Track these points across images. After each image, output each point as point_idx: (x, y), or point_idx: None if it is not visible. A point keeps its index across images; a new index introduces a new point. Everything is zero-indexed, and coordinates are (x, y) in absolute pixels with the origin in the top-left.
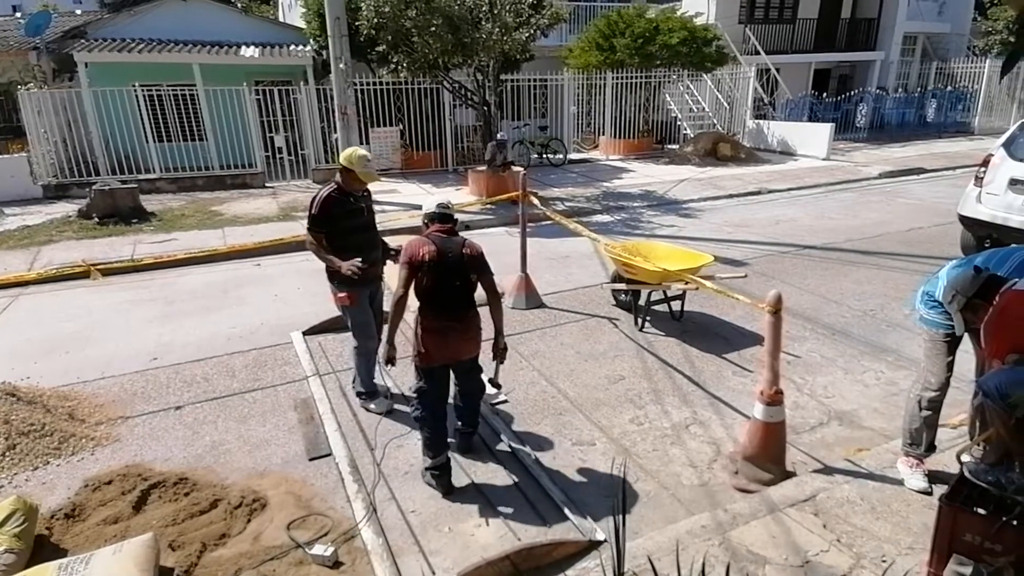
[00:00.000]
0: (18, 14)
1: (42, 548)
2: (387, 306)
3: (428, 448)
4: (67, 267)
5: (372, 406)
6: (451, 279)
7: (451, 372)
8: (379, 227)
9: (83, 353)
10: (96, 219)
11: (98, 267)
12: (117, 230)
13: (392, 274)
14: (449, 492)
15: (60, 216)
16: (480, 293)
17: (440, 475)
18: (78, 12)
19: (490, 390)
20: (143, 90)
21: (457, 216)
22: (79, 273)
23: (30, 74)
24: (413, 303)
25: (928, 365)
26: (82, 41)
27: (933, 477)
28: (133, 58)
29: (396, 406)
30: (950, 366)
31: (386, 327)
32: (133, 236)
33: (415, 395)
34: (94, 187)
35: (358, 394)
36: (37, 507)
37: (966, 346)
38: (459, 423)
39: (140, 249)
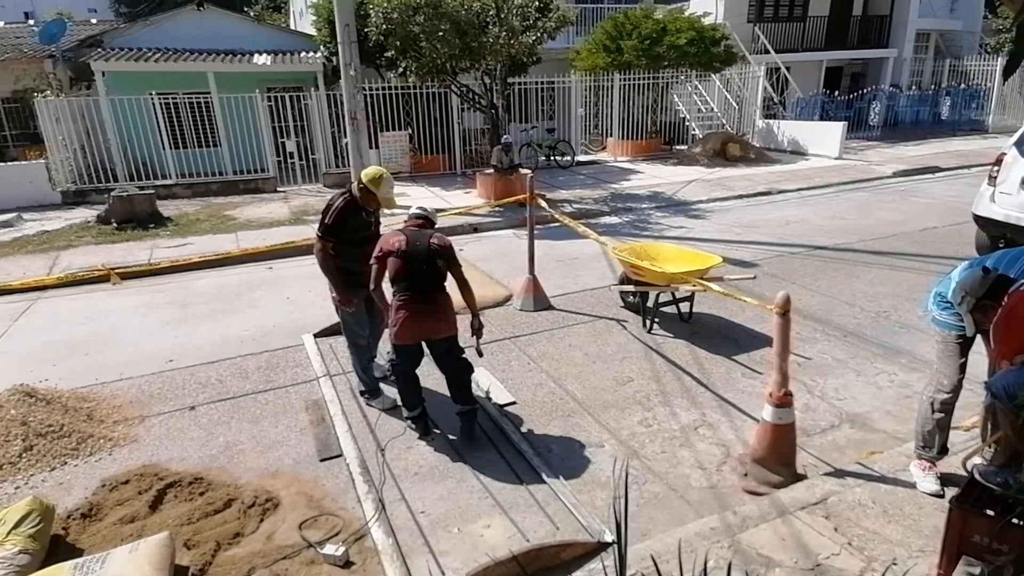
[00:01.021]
0: (31, 21)
1: (58, 548)
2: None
3: (404, 405)
4: (87, 271)
5: (375, 403)
6: (418, 264)
7: (430, 353)
8: (389, 229)
9: (101, 355)
10: (114, 224)
11: (116, 271)
12: (135, 235)
13: None
14: (427, 434)
15: (79, 221)
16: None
17: (417, 421)
18: (93, 21)
19: (500, 397)
20: (159, 98)
21: (439, 218)
22: (98, 277)
23: (45, 81)
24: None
25: (940, 367)
26: (99, 50)
27: (946, 480)
28: (150, 67)
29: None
30: (963, 368)
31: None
32: (150, 241)
33: (390, 364)
34: (112, 193)
35: (360, 393)
36: (53, 507)
37: (979, 348)
38: (457, 405)
39: (157, 253)
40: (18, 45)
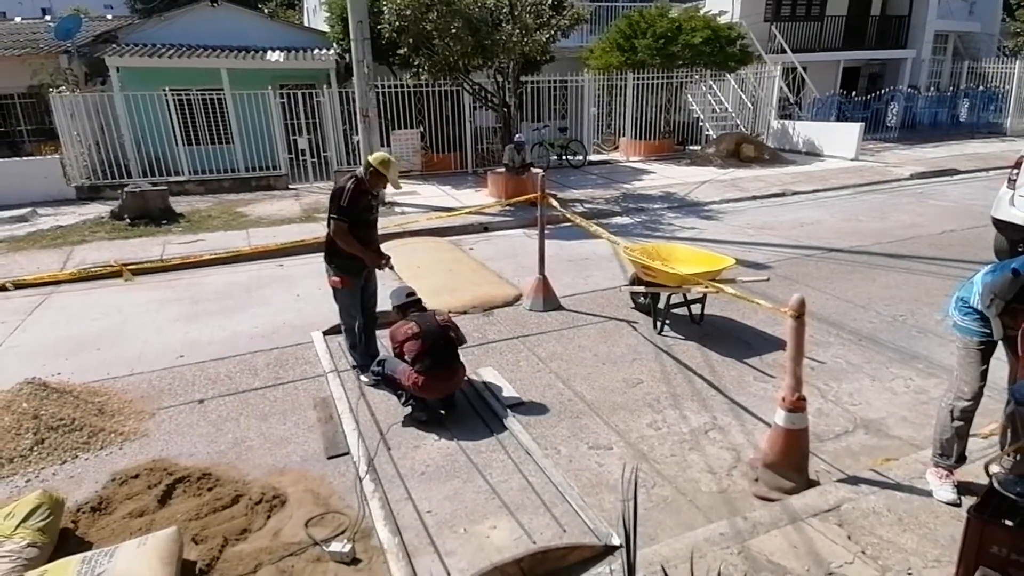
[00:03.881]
0: (47, 17)
1: (67, 541)
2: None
3: (418, 410)
4: (100, 267)
5: (363, 378)
6: (435, 340)
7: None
8: (399, 228)
9: (113, 350)
10: (127, 220)
11: (129, 267)
12: (147, 231)
13: (394, 266)
14: (429, 417)
15: (93, 217)
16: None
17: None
18: (109, 17)
19: (506, 392)
20: (173, 94)
21: (451, 217)
22: (111, 273)
23: (61, 77)
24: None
25: (961, 374)
26: (114, 46)
27: (963, 488)
28: (164, 63)
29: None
30: (984, 375)
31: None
32: (162, 237)
33: (410, 405)
34: (126, 189)
35: (352, 367)
36: (63, 501)
37: (998, 354)
38: None
39: (169, 250)
40: (34, 41)
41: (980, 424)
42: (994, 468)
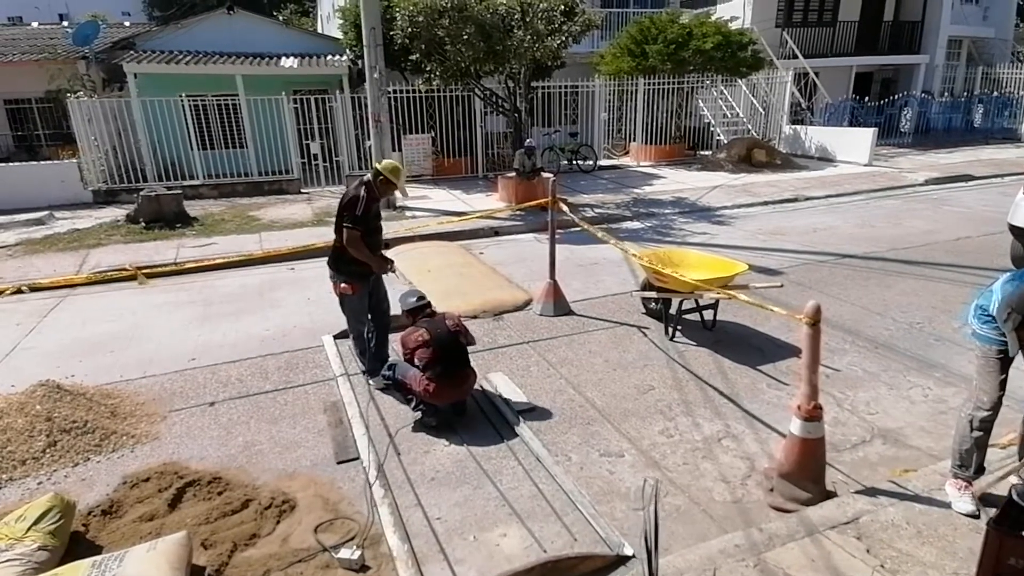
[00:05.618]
0: (65, 23)
1: (77, 545)
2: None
3: (428, 415)
4: (115, 270)
5: (373, 382)
6: (446, 346)
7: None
8: (410, 232)
9: (126, 353)
10: (143, 223)
11: (143, 270)
12: (162, 234)
13: (405, 270)
14: (439, 424)
15: (109, 220)
16: None
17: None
18: (126, 23)
19: (516, 397)
20: (189, 100)
21: (462, 221)
22: (126, 276)
23: (79, 82)
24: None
25: (980, 383)
26: (131, 52)
27: (982, 500)
28: (180, 70)
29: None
30: (1003, 384)
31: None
32: (176, 240)
33: (420, 410)
34: (141, 193)
35: (362, 371)
36: (74, 504)
37: (1018, 363)
38: None
39: (183, 253)
40: (52, 46)
41: (999, 434)
42: (1012, 479)
